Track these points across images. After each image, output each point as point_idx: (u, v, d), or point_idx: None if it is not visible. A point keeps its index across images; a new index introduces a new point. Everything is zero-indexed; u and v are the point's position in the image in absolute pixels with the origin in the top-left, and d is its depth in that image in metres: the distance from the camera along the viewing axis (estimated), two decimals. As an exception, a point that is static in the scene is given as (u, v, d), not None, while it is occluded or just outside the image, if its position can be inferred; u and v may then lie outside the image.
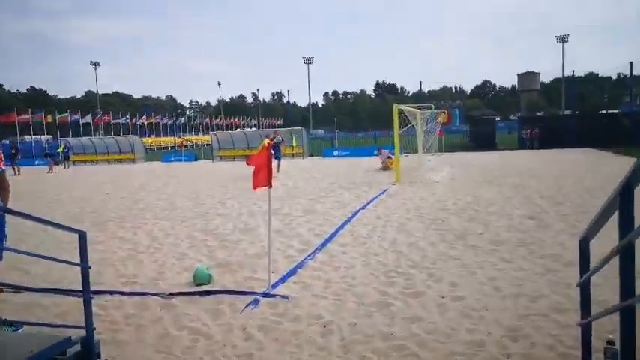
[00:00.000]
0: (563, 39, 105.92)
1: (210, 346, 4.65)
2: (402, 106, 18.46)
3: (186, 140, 61.51)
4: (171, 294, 6.16)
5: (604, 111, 59.81)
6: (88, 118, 79.67)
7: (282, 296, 5.88)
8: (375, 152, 28.23)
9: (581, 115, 38.54)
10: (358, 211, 11.64)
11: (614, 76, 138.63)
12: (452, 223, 9.84)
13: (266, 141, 19.42)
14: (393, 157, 19.27)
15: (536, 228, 9.06)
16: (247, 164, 6.03)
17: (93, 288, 6.56)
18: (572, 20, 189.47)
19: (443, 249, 7.87)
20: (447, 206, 11.81)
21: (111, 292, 6.26)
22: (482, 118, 41.68)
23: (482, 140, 37.63)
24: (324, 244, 8.47)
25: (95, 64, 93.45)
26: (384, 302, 5.59)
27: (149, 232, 10.38)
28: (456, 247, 7.97)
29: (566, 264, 6.73)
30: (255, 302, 5.72)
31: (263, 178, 5.99)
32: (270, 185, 6.11)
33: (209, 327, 5.11)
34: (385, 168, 21.56)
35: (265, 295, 5.94)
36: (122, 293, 6.24)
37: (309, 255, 7.82)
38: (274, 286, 6.29)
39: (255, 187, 5.97)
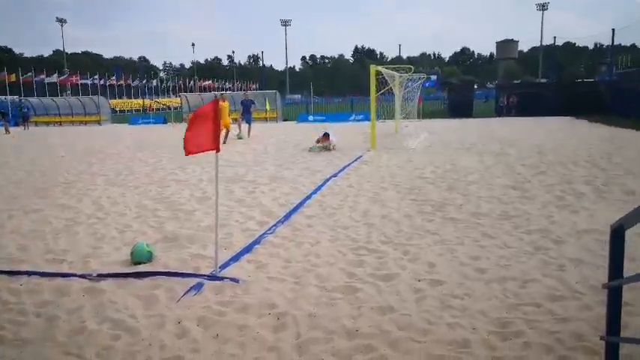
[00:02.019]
0: (542, 7, 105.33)
1: (132, 346, 3.76)
2: (380, 68, 17.45)
3: (157, 102, 59.62)
4: (100, 275, 5.23)
5: (581, 80, 59.48)
6: (54, 78, 76.88)
7: (231, 279, 5.00)
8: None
9: (558, 83, 37.89)
10: (329, 178, 10.75)
11: (591, 46, 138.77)
12: (429, 192, 9.02)
13: (222, 103, 18.30)
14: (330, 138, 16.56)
15: (520, 199, 8.30)
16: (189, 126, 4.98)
17: (10, 267, 5.67)
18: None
19: (419, 222, 7.06)
20: (424, 174, 11.00)
21: (28, 273, 5.30)
22: (460, 85, 40.82)
23: (459, 107, 36.84)
24: (288, 216, 7.58)
25: (61, 21, 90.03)
26: (351, 287, 4.76)
27: (95, 199, 9.38)
28: (434, 219, 7.17)
29: (556, 241, 5.97)
30: (199, 287, 4.83)
31: (207, 139, 5.01)
32: (217, 148, 5.14)
33: (137, 319, 4.21)
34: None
35: (211, 277, 5.06)
36: (42, 274, 5.28)
37: (269, 228, 6.93)
38: (224, 266, 5.41)
39: (190, 150, 4.94)
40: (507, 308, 4.21)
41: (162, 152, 17.25)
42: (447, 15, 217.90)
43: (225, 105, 20.46)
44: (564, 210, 7.44)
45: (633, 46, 78.26)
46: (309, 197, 8.86)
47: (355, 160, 13.57)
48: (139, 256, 5.71)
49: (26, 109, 39.58)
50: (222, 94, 24.95)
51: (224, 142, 19.91)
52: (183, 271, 5.27)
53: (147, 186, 10.56)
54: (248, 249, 6.04)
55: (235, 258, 5.70)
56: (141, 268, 5.50)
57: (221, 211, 7.89)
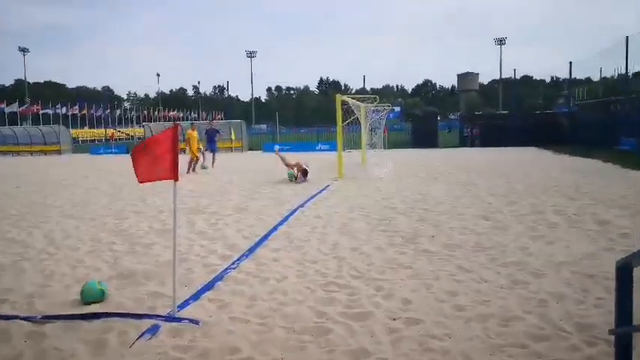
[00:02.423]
0: (501, 41, 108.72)
1: (73, 404, 3.29)
2: (346, 97, 17.33)
3: (119, 132, 58.65)
4: (44, 317, 4.72)
5: (542, 111, 60.94)
6: (15, 107, 74.94)
7: (191, 320, 4.55)
8: (275, 148, 21.93)
9: (520, 114, 38.63)
10: (296, 209, 10.39)
11: (547, 79, 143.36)
12: (400, 223, 8.74)
13: (190, 132, 17.84)
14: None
15: (492, 229, 8.08)
16: (135, 152, 4.54)
17: None
18: (509, 24, 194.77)
19: (391, 255, 6.74)
20: (393, 204, 10.75)
21: (-38, 317, 4.75)
22: (425, 115, 41.22)
23: (424, 137, 37.10)
24: (252, 249, 7.17)
25: (24, 50, 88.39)
26: (321, 328, 4.37)
27: (48, 232, 8.79)
28: (406, 252, 6.86)
29: (534, 274, 5.71)
30: (154, 329, 4.36)
31: (165, 167, 4.61)
32: (176, 178, 4.75)
33: (81, 370, 3.74)
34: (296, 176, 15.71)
35: (168, 319, 4.60)
36: (-22, 317, 4.74)
37: (232, 263, 6.50)
38: (183, 305, 4.95)
39: (145, 179, 4.54)
40: (491, 349, 3.89)
41: (122, 182, 16.62)
42: (408, 48, 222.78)
43: (194, 134, 20.12)
44: (539, 241, 7.23)
45: (588, 79, 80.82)
46: (275, 229, 8.46)
47: (323, 190, 13.26)
48: (90, 296, 5.21)
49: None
50: (192, 123, 24.53)
51: (193, 170, 19.46)
52: (138, 312, 4.80)
53: (103, 218, 10.01)
54: (209, 286, 5.60)
55: (195, 296, 5.25)
56: (91, 308, 5.00)
57: (181, 244, 7.48)
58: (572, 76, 39.43)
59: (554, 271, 5.84)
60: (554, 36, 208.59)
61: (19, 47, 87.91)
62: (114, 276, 6.12)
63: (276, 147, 17.65)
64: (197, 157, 19.94)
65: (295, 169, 15.60)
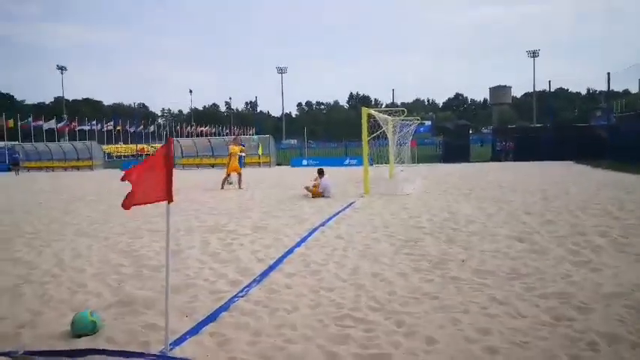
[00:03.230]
0: (534, 54, 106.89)
1: None
2: (372, 111, 16.77)
3: (152, 147, 59.27)
4: (27, 353, 4.25)
5: (579, 124, 59.28)
6: (52, 124, 76.60)
7: (184, 360, 4.03)
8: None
9: (556, 127, 37.48)
10: (316, 228, 9.84)
11: (583, 92, 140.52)
12: (427, 245, 8.10)
13: (232, 147, 17.33)
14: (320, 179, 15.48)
15: (529, 253, 7.36)
16: (125, 177, 4.04)
17: None
18: (542, 36, 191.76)
19: (416, 282, 6.11)
20: (420, 223, 10.10)
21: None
22: (456, 128, 40.35)
23: (455, 151, 36.30)
24: (265, 274, 6.62)
25: (62, 69, 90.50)
26: (330, 373, 3.79)
27: (58, 252, 8.41)
28: (433, 279, 6.22)
29: (580, 308, 5.01)
30: (141, 372, 3.85)
31: (157, 188, 4.12)
32: (170, 199, 4.25)
33: None
34: (313, 193, 15.51)
35: (159, 358, 4.08)
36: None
37: (241, 290, 5.97)
38: (179, 341, 4.43)
39: (135, 202, 4.05)
40: (531, 407, 3.25)
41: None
42: (439, 62, 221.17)
43: (235, 149, 19.55)
44: (583, 267, 6.50)
45: (626, 91, 78.68)
46: (291, 250, 7.91)
47: (347, 207, 12.69)
48: (80, 328, 4.73)
49: (16, 155, 38.89)
50: (234, 137, 24.10)
51: (239, 187, 18.94)
52: (128, 349, 4.29)
53: (118, 237, 9.61)
54: (212, 317, 5.07)
55: (195, 330, 4.72)
56: (80, 342, 4.52)
57: (191, 267, 7.01)
58: (610, 89, 38.08)
59: (602, 304, 5.12)
60: (588, 48, 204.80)
61: (57, 65, 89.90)
62: (113, 303, 5.64)
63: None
64: (238, 172, 19.20)
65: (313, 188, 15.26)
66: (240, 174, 19.17)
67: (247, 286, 6.09)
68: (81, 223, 11.48)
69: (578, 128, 40.04)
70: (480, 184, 17.98)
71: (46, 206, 15.21)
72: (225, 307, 5.36)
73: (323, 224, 10.24)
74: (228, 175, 19.23)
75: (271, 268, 6.92)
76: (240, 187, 18.82)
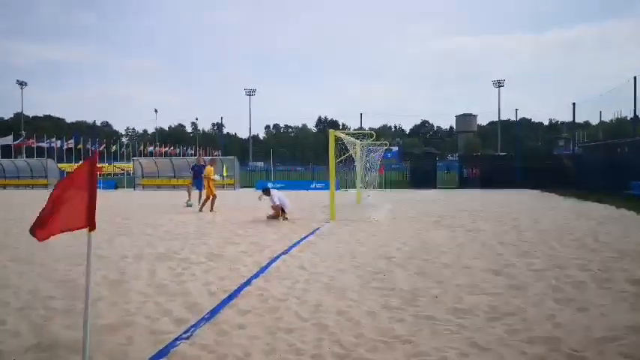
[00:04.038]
0: (499, 83, 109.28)
1: None
2: (340, 133, 16.20)
3: (115, 167, 57.64)
4: None
5: (544, 153, 60.16)
6: (9, 140, 74.00)
7: None
8: (261, 186, 20.37)
9: (521, 156, 37.60)
10: (278, 256, 9.07)
11: (545, 122, 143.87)
12: (397, 278, 7.43)
13: (209, 169, 16.40)
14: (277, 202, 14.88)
15: (508, 289, 6.76)
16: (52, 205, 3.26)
17: None
18: (505, 67, 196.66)
19: (386, 323, 5.41)
20: (389, 253, 9.44)
21: None
22: (424, 155, 40.26)
23: (422, 178, 36.04)
24: (216, 310, 5.83)
25: (22, 84, 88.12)
26: None
27: (-19, 281, 7.45)
28: (405, 318, 5.53)
29: (572, 357, 4.39)
30: None
31: (78, 213, 3.36)
32: (92, 226, 3.49)
33: None
34: (275, 215, 15.14)
35: None
36: None
37: (187, 330, 5.17)
38: (100, 400, 3.62)
39: (48, 232, 3.28)
40: None
41: (97, 221, 15.28)
42: (407, 88, 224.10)
43: (211, 169, 18.67)
44: (567, 307, 5.90)
45: (587, 122, 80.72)
46: (248, 283, 7.12)
47: (311, 234, 11.96)
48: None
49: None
50: (212, 158, 23.09)
51: (210, 210, 17.98)
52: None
53: (55, 263, 8.66)
54: (146, 367, 4.27)
55: (122, 384, 3.92)
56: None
57: (132, 302, 6.17)
58: (574, 119, 38.57)
59: (595, 351, 4.52)
60: (549, 80, 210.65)
61: (17, 80, 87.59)
62: (30, 347, 4.78)
63: (263, 189, 15.71)
64: (213, 194, 18.20)
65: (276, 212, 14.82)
66: (215, 196, 18.22)
67: (194, 326, 5.29)
68: (19, 247, 10.45)
69: (544, 157, 40.35)
70: (449, 211, 17.51)
71: (-13, 227, 14.05)
72: (164, 353, 4.56)
73: (285, 252, 9.48)
74: (208, 197, 18.25)
75: (224, 303, 6.13)
76: (212, 210, 17.89)
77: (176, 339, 4.91)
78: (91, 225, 3.49)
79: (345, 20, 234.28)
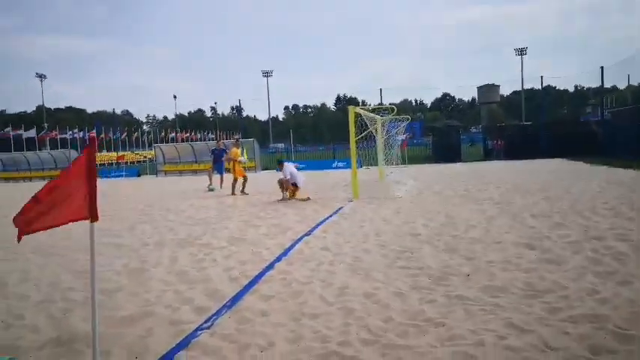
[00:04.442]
0: (521, 52, 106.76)
1: None
2: (359, 109, 15.82)
3: (137, 154, 58.03)
4: None
5: (570, 120, 58.70)
6: (32, 133, 74.98)
7: None
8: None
9: (547, 124, 36.70)
10: (300, 238, 8.83)
11: (571, 89, 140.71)
12: (425, 256, 7.12)
13: (234, 151, 16.14)
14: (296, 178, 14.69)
15: (543, 264, 6.41)
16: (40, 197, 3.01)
17: None
18: (527, 35, 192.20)
19: (416, 304, 5.12)
20: (416, 229, 9.13)
21: None
22: (446, 128, 39.59)
23: (446, 151, 35.47)
24: (238, 297, 5.61)
25: (41, 76, 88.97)
26: None
27: (4, 274, 7.33)
28: (435, 299, 5.24)
29: (620, 335, 4.05)
30: None
31: (76, 204, 3.12)
32: (94, 216, 3.25)
33: None
34: (290, 195, 15.00)
35: None
36: None
37: (207, 319, 4.95)
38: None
39: (41, 225, 3.04)
40: None
41: (117, 208, 15.27)
42: (426, 62, 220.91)
43: (237, 152, 18.13)
44: (609, 280, 5.55)
45: (614, 87, 78.58)
46: (271, 267, 6.89)
47: (334, 214, 11.70)
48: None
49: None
50: (236, 139, 23.00)
51: (242, 191, 17.70)
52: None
53: (75, 254, 8.54)
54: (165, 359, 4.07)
55: (140, 380, 3.72)
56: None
57: (152, 290, 6.00)
58: (599, 85, 37.47)
59: (644, 328, 4.18)
60: (573, 45, 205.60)
61: (37, 73, 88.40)
62: (48, 341, 4.62)
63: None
64: (243, 176, 17.85)
65: (285, 186, 14.82)
66: (245, 178, 17.89)
67: (215, 314, 5.07)
68: (40, 238, 10.35)
69: (570, 124, 39.25)
70: (475, 184, 17.08)
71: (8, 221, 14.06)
72: (184, 344, 4.35)
73: (308, 234, 9.24)
74: (236, 179, 17.88)
75: (246, 289, 5.91)
76: (241, 192, 17.63)
77: (197, 329, 4.69)
78: (93, 216, 3.24)
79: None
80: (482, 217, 10.08)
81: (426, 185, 17.61)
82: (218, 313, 5.09)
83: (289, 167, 14.84)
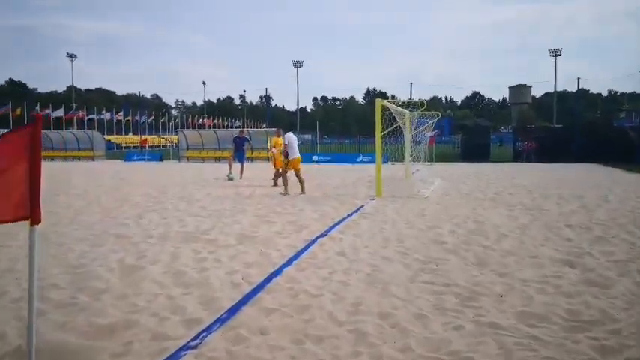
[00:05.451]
0: (556, 53, 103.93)
1: None
2: (387, 102, 15.00)
3: (163, 138, 57.90)
4: None
5: (606, 124, 56.87)
6: (60, 112, 75.56)
7: None
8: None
9: (581, 127, 35.32)
10: (315, 239, 8.13)
11: (604, 93, 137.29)
12: (452, 269, 6.35)
13: (275, 140, 15.56)
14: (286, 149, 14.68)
15: (585, 286, 5.60)
16: None
17: None
18: (558, 37, 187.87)
19: (440, 330, 4.38)
20: (441, 236, 8.35)
21: None
22: (476, 127, 38.42)
23: (475, 151, 34.33)
24: (235, 309, 4.93)
25: (72, 56, 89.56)
26: None
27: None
28: (464, 325, 4.49)
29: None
30: None
31: (12, 198, 2.45)
32: (35, 216, 2.58)
33: None
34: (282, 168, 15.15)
35: None
36: None
37: (197, 335, 4.29)
38: None
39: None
40: None
41: (130, 193, 14.76)
42: (458, 60, 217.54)
43: (279, 141, 16.88)
44: (666, 311, 4.74)
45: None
46: (278, 272, 6.20)
47: (354, 212, 10.97)
48: None
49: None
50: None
51: (275, 184, 16.56)
52: None
53: (75, 243, 7.96)
54: (137, 389, 3.40)
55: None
56: None
57: (143, 292, 5.36)
58: (632, 90, 35.90)
59: None
60: (607, 49, 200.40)
61: (67, 53, 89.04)
62: (9, 352, 4.00)
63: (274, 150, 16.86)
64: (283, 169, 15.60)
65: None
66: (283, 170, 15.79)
67: (206, 330, 4.40)
68: (45, 223, 9.83)
69: (605, 129, 37.70)
70: (505, 187, 16.17)
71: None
72: (163, 368, 3.69)
73: (324, 234, 8.52)
74: (277, 170, 16.63)
75: (246, 298, 5.22)
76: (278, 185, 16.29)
77: (181, 347, 4.03)
78: (34, 216, 2.57)
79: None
80: (515, 225, 9.25)
81: (453, 185, 16.75)
82: (209, 329, 4.42)
83: (290, 137, 14.88)
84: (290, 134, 15.13)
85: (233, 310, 4.85)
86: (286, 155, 14.76)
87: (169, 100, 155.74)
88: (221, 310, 4.88)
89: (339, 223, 9.64)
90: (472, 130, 38.51)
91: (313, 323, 4.55)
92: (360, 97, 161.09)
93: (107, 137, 56.30)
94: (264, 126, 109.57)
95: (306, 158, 34.33)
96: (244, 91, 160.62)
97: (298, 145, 15.17)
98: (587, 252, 7.16)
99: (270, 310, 4.88)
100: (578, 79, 47.01)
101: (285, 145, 15.02)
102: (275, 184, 16.60)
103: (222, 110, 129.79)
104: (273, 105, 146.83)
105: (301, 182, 14.55)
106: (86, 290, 5.55)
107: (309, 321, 4.60)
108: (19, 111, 70.13)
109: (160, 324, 4.56)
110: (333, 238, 8.24)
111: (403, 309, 4.89)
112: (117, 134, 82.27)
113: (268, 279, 5.88)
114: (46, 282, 5.82)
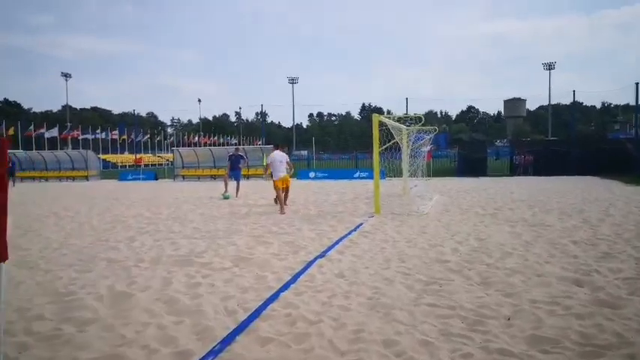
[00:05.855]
0: (549, 66, 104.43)
1: None
2: (383, 118, 14.81)
3: (159, 157, 57.69)
4: None
5: (602, 137, 56.82)
6: (55, 132, 75.39)
7: None
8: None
9: (578, 140, 35.28)
10: (313, 260, 7.85)
11: (598, 105, 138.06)
12: (456, 290, 6.09)
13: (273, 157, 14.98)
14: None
15: (596, 306, 5.34)
16: None
17: None
18: (556, 50, 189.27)
19: (447, 359, 4.12)
20: (443, 254, 8.09)
21: None
22: (473, 141, 38.29)
23: (471, 165, 34.21)
24: (229, 339, 4.65)
25: (66, 76, 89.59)
26: None
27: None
28: (472, 353, 4.21)
29: None
30: None
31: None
32: (2, 253, 2.32)
33: None
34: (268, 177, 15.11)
35: None
36: None
37: (187, 370, 4.01)
38: None
39: None
40: None
41: (125, 215, 14.48)
42: (452, 74, 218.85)
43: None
44: (685, 334, 4.48)
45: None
46: (275, 297, 5.93)
47: (353, 230, 10.71)
48: None
49: (12, 164, 37.28)
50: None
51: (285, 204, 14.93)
52: None
53: (63, 270, 7.66)
54: None
55: None
56: None
57: (132, 322, 5.07)
58: (625, 103, 35.96)
59: None
60: (600, 62, 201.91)
61: (62, 73, 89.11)
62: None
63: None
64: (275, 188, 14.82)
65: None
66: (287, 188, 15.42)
67: (197, 364, 4.13)
68: (33, 248, 9.57)
69: (600, 141, 37.65)
70: (505, 201, 15.94)
71: (10, 223, 13.36)
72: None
73: (322, 255, 8.25)
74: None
75: (241, 327, 4.94)
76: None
77: (171, 385, 3.75)
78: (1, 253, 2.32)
79: (389, 5, 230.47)
80: (518, 242, 9.00)
81: (452, 201, 16.52)
82: (203, 362, 4.15)
83: (277, 156, 14.52)
84: (274, 153, 14.68)
85: (227, 341, 4.57)
86: (271, 175, 14.50)
87: (165, 118, 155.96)
88: (215, 340, 4.60)
89: (337, 242, 9.37)
90: (468, 144, 38.42)
91: (313, 354, 4.27)
92: (355, 113, 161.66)
93: (102, 156, 56.17)
94: (260, 143, 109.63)
95: (303, 175, 34.22)
96: (240, 108, 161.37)
97: (293, 161, 14.87)
98: (595, 269, 6.90)
99: (266, 339, 4.60)
100: (574, 91, 46.93)
101: (268, 164, 14.78)
102: (276, 202, 16.24)
103: (218, 127, 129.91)
104: (269, 122, 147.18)
105: (282, 201, 14.27)
106: (72, 321, 5.25)
107: (308, 351, 4.33)
108: (11, 130, 69.88)
109: (149, 357, 4.28)
110: (331, 259, 7.96)
111: (407, 335, 4.62)
112: (112, 153, 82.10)
113: (265, 305, 5.60)
114: (30, 313, 5.53)
